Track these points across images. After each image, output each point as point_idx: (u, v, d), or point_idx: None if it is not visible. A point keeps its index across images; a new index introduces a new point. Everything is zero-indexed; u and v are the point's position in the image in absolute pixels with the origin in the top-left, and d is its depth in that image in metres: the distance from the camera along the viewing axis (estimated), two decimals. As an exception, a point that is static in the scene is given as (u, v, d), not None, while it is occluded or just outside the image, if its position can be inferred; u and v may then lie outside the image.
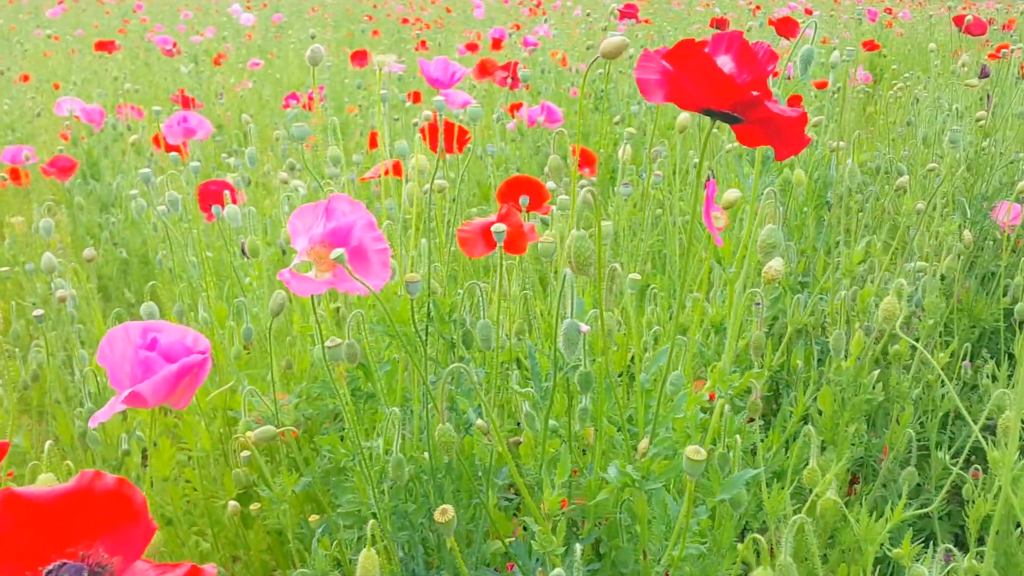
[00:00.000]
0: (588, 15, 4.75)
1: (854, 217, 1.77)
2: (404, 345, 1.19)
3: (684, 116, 1.65)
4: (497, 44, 4.18)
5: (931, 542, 1.61)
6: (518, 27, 5.82)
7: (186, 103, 3.82)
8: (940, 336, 2.07)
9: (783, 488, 1.19)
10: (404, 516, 1.14)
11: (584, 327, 0.94)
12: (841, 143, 1.78)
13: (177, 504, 1.45)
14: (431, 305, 1.20)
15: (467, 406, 1.12)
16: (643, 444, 0.99)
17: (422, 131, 1.78)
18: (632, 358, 1.26)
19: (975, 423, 1.73)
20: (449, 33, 7.34)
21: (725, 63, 0.74)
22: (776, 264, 1.15)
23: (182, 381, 0.94)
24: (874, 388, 1.39)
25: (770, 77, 0.76)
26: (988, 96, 2.92)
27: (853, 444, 1.45)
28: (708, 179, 1.78)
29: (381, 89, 1.41)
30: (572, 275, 0.94)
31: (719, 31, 3.79)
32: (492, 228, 1.03)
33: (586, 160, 2.31)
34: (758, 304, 1.18)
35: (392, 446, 1.03)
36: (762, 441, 1.41)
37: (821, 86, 3.33)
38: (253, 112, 5.00)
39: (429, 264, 1.21)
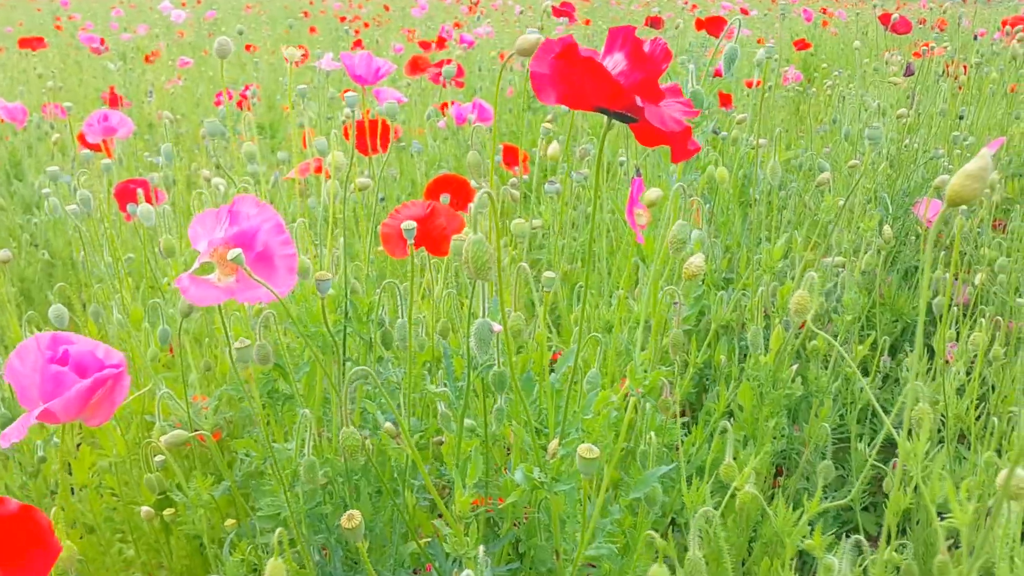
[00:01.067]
0: (521, 13, 4.74)
1: (775, 214, 1.79)
2: (319, 346, 1.17)
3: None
4: (441, 43, 4.16)
5: (855, 534, 1.64)
6: (458, 24, 5.80)
7: (114, 101, 3.73)
8: (863, 330, 2.11)
9: (703, 483, 1.20)
10: (321, 519, 1.12)
11: (496, 326, 0.93)
12: (762, 140, 1.79)
13: (97, 511, 1.42)
14: (348, 305, 1.18)
15: (374, 408, 1.10)
16: (552, 445, 0.98)
17: (345, 129, 1.76)
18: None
19: (896, 415, 1.77)
20: (387, 31, 7.29)
21: (618, 62, 0.73)
22: (696, 260, 1.16)
23: (95, 395, 0.91)
24: (793, 382, 1.41)
25: (661, 76, 0.75)
26: (912, 94, 2.99)
27: (775, 438, 1.46)
28: (636, 176, 1.79)
29: (300, 84, 1.38)
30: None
31: (652, 29, 3.80)
32: (402, 226, 1.01)
33: (513, 158, 2.30)
34: (677, 303, 1.18)
35: (304, 449, 1.01)
36: (687, 436, 1.41)
37: (753, 84, 3.38)
38: (185, 111, 4.92)
39: (346, 263, 1.19)
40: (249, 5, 10.74)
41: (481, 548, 0.83)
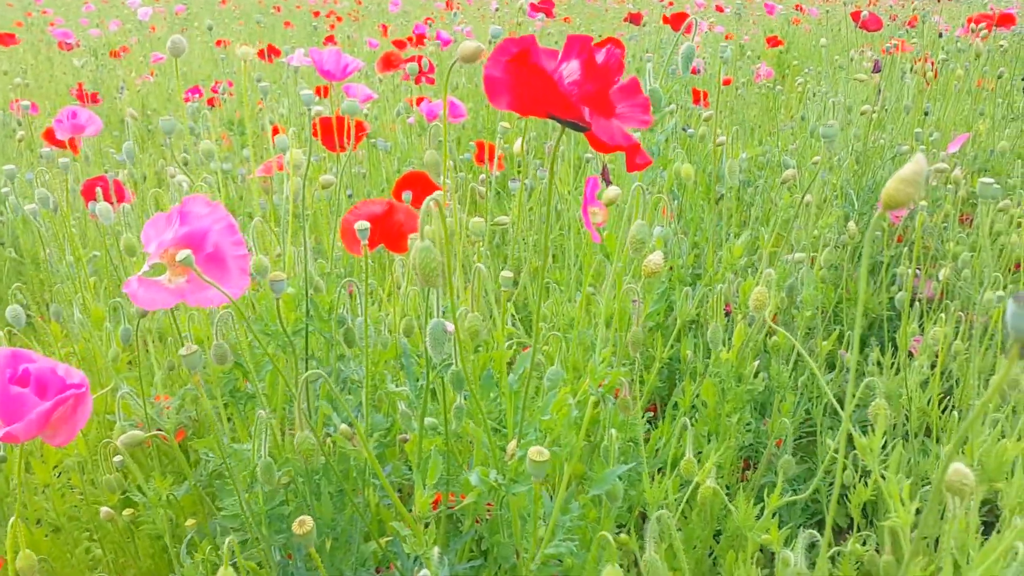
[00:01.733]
0: (497, 11, 4.73)
1: (737, 211, 1.80)
2: (279, 345, 1.17)
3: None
4: (420, 40, 4.14)
5: (824, 526, 1.65)
6: (430, 20, 5.79)
7: (82, 98, 3.70)
8: (831, 325, 2.13)
9: (665, 478, 1.20)
10: (282, 519, 1.12)
11: (450, 326, 0.93)
12: (721, 138, 1.80)
13: (61, 511, 1.41)
14: (309, 303, 1.18)
15: (329, 410, 1.10)
16: (511, 446, 0.98)
17: (313, 126, 1.75)
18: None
19: (863, 409, 1.78)
20: (361, 27, 7.26)
21: (573, 71, 0.73)
22: (655, 257, 1.16)
23: (55, 414, 0.89)
24: (756, 378, 1.42)
25: (613, 86, 0.74)
26: (879, 90, 3.01)
27: (741, 432, 1.47)
28: (603, 170, 1.79)
29: (262, 82, 1.37)
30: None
31: (633, 24, 3.79)
32: (355, 226, 1.01)
33: (488, 156, 2.30)
34: (635, 301, 1.19)
35: (262, 450, 1.01)
36: (654, 430, 1.42)
37: (726, 83, 3.39)
38: (157, 106, 4.88)
39: (308, 261, 1.19)
40: (224, 0, 10.66)
41: (436, 550, 0.83)
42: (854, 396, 1.28)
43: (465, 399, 1.04)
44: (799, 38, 6.00)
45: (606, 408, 1.25)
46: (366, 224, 1.04)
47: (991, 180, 1.17)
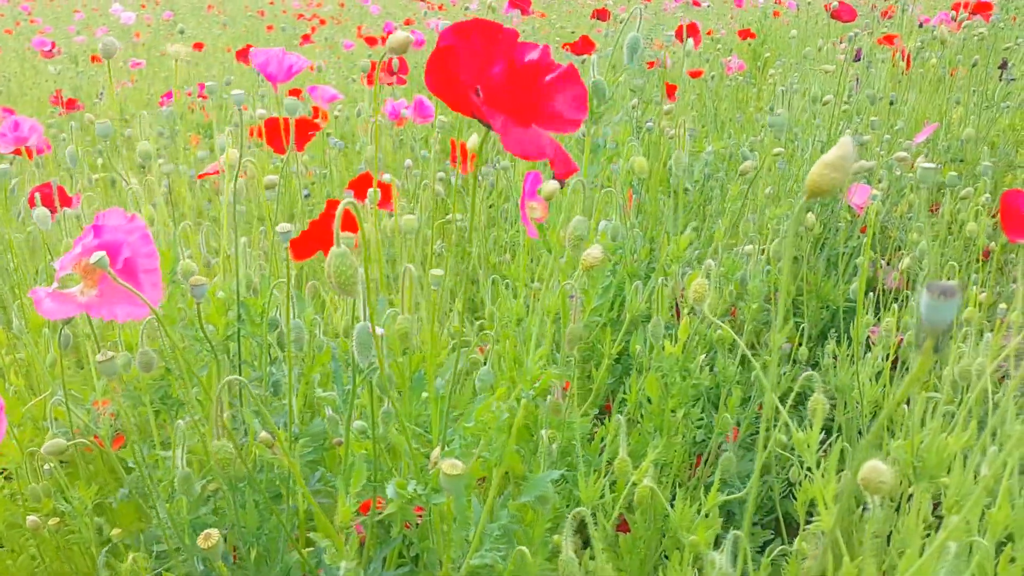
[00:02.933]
0: (467, 9, 4.70)
1: (701, 204, 1.78)
2: (208, 350, 1.15)
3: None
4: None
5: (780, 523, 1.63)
6: (409, 22, 5.76)
7: (60, 103, 3.69)
8: (793, 316, 2.11)
9: (602, 478, 1.18)
10: (206, 528, 1.09)
11: (378, 330, 0.91)
12: (671, 131, 1.78)
13: (2, 518, 1.39)
14: (240, 307, 1.16)
15: (251, 418, 1.08)
16: (434, 454, 0.96)
17: (258, 129, 1.73)
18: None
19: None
20: (343, 28, 7.24)
21: (497, 74, 0.70)
22: (594, 251, 1.14)
23: None
24: (703, 372, 1.40)
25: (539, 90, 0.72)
26: (857, 80, 2.99)
27: (689, 429, 1.45)
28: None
29: (227, 83, 1.35)
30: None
31: (600, 20, 3.76)
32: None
33: (462, 154, 2.28)
34: (572, 296, 1.17)
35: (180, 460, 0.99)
36: (601, 426, 1.40)
37: (695, 74, 3.37)
38: (135, 111, 4.85)
39: (238, 263, 1.17)
40: (211, 5, 10.63)
41: (343, 564, 0.81)
42: (791, 390, 1.27)
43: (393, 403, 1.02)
44: (775, 30, 5.98)
45: (542, 410, 1.23)
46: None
47: (932, 165, 1.14)
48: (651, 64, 3.22)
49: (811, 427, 1.10)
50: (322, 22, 7.39)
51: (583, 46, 3.15)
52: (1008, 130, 2.62)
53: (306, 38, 4.90)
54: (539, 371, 0.95)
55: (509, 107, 0.71)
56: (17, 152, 2.16)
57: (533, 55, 0.74)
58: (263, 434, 0.99)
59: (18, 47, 6.92)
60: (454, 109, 0.75)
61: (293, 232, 1.08)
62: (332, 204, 1.15)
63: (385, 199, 1.68)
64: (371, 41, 3.93)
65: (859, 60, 3.16)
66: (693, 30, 2.16)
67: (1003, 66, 2.71)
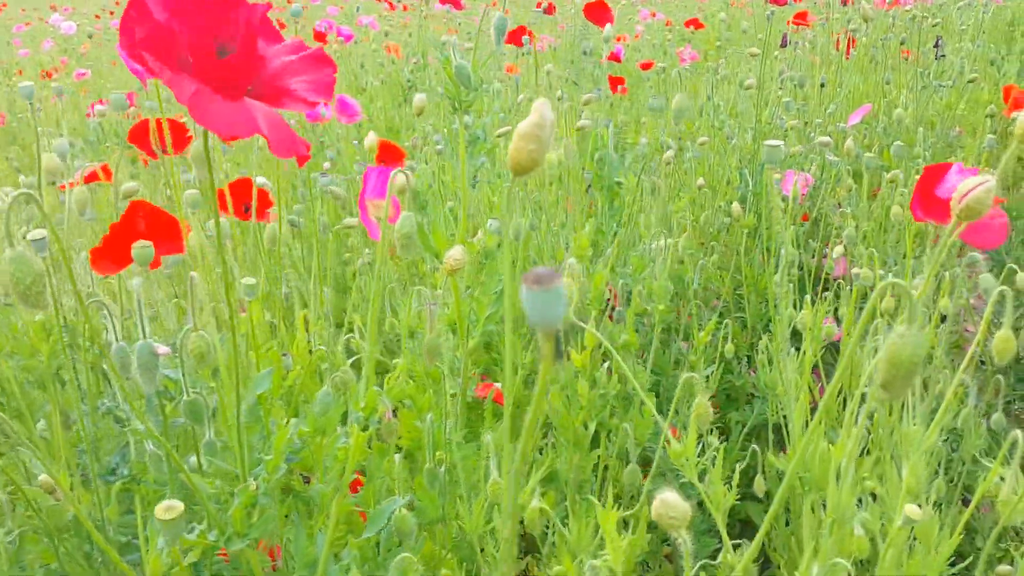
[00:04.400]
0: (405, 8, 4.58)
1: (638, 198, 1.67)
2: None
3: (421, 97, 1.50)
4: (320, 37, 3.98)
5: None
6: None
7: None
8: (735, 313, 2.00)
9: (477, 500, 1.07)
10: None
11: (163, 348, 0.78)
12: (584, 120, 1.67)
13: None
14: (63, 330, 1.03)
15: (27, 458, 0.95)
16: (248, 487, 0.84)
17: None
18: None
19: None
20: (301, 30, 7.08)
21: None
22: (455, 253, 1.03)
23: None
24: (610, 380, 1.28)
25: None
26: (787, 66, 2.88)
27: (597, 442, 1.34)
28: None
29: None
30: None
31: (546, 14, 3.63)
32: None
33: (388, 154, 2.16)
34: (429, 304, 1.05)
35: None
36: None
37: (646, 66, 3.26)
38: (76, 124, 4.71)
39: (51, 279, 1.04)
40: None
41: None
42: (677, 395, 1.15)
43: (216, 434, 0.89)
44: (735, 21, 5.89)
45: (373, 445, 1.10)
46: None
47: (779, 143, 1.03)
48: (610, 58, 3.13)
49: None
50: (282, 25, 7.25)
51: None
52: (945, 110, 2.52)
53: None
54: (370, 393, 0.83)
55: (211, 76, 0.59)
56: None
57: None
58: (42, 477, 0.87)
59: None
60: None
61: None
62: (135, 206, 1.02)
63: (262, 207, 1.56)
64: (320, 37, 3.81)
65: (786, 46, 3.05)
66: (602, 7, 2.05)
67: (937, 44, 2.61)
